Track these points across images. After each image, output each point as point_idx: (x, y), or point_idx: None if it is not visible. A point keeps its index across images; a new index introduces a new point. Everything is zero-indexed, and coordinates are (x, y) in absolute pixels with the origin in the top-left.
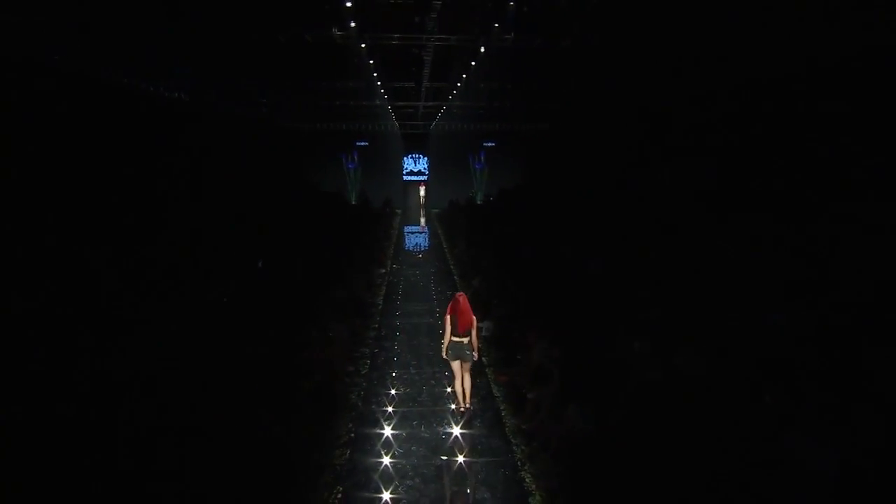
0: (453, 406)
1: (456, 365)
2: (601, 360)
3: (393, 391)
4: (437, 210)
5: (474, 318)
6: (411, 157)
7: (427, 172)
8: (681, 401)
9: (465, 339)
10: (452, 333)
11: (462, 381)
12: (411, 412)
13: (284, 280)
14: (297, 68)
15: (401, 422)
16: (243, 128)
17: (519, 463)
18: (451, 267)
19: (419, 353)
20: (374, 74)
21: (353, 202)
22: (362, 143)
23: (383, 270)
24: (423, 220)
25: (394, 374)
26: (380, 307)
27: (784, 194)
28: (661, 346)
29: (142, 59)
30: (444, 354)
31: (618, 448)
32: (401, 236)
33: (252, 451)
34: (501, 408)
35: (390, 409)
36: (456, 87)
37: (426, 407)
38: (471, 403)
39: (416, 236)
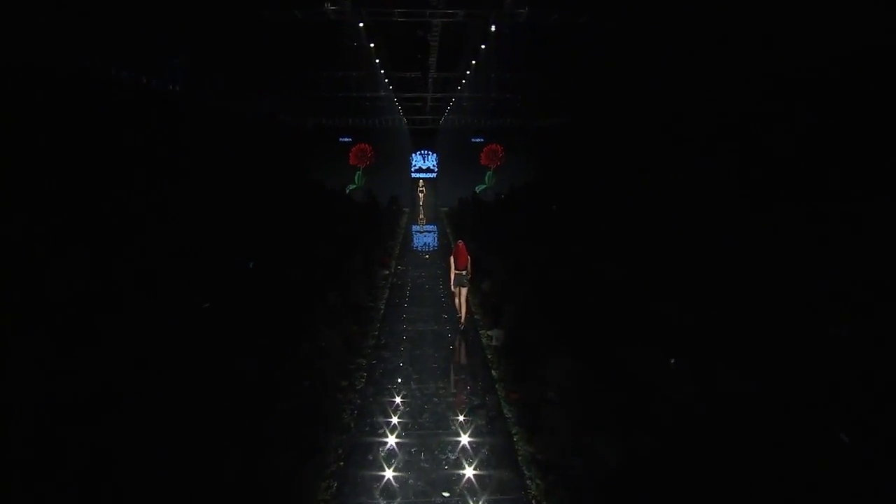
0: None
1: (457, 290)
2: (627, 377)
3: (390, 410)
4: (446, 208)
5: (469, 256)
6: (420, 154)
7: (436, 169)
8: (726, 432)
9: (464, 272)
10: (456, 268)
11: (460, 301)
12: (411, 435)
13: (276, 283)
14: (296, 59)
15: (398, 447)
16: (241, 126)
17: (534, 501)
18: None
19: (423, 366)
20: (377, 61)
21: (360, 200)
22: (346, 139)
23: (387, 272)
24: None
25: (393, 390)
26: (381, 312)
27: (830, 190)
28: (697, 363)
29: (125, 46)
30: (451, 285)
31: (650, 486)
32: (408, 236)
33: (217, 493)
34: (513, 432)
35: (387, 430)
36: (465, 76)
37: (427, 430)
38: (465, 320)
39: (424, 236)
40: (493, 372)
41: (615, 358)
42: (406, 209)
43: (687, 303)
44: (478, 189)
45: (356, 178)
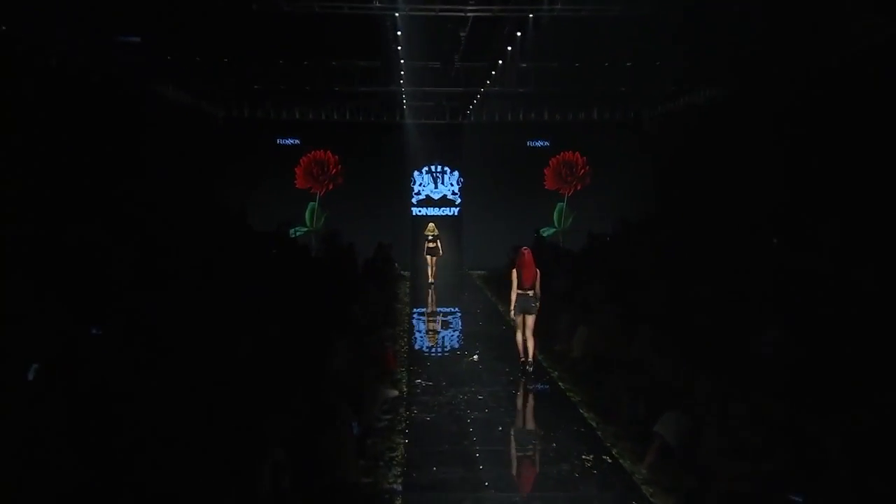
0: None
1: (520, 319)
2: None
3: None
4: (481, 272)
5: (537, 270)
6: (428, 172)
7: (459, 199)
8: None
9: (531, 292)
10: (518, 287)
11: (524, 335)
12: None
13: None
14: None
15: None
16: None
17: None
18: (560, 383)
19: None
20: None
21: (315, 252)
22: (289, 142)
23: (396, 393)
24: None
25: None
26: None
27: None
28: None
29: None
30: (511, 312)
31: None
32: (414, 321)
33: None
34: None
35: None
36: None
37: None
38: (534, 359)
39: (448, 323)
40: None
41: None
42: (405, 273)
43: None
44: (544, 233)
45: (308, 212)
